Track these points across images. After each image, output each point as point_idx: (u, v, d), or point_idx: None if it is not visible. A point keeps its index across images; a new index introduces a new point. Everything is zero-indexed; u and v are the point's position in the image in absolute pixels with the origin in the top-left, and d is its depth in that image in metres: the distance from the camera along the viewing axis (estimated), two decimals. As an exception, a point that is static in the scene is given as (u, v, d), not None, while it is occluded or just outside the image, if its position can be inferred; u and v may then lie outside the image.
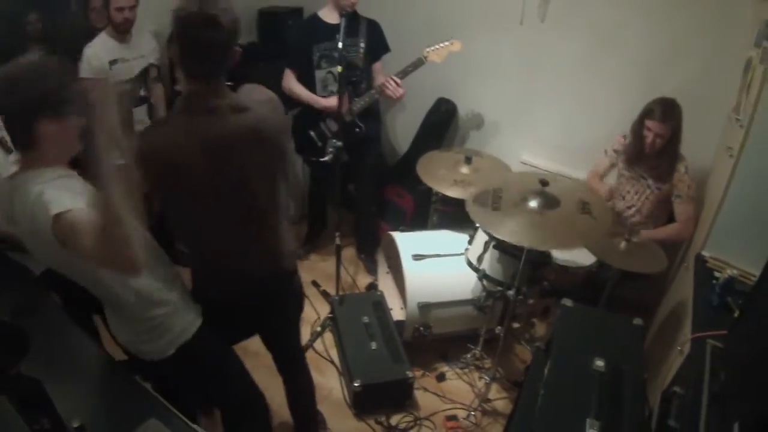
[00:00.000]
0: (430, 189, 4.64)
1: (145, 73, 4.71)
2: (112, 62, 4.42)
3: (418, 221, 5.45)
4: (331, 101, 4.67)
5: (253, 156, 2.50)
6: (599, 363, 2.70)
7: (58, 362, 2.70)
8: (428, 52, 4.57)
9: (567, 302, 3.19)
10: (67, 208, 2.03)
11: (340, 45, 3.98)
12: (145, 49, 4.70)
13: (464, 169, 4.52)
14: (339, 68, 4.03)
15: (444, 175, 4.47)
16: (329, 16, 4.71)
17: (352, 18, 4.63)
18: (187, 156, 2.36)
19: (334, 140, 4.33)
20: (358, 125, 4.83)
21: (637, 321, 3.09)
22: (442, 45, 4.56)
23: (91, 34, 4.51)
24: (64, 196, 2.08)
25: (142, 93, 4.72)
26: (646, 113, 4.10)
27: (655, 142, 4.08)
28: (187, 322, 2.65)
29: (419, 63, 4.60)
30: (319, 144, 4.94)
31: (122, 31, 4.44)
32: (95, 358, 2.78)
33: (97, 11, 4.81)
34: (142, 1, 4.47)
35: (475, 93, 5.57)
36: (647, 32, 4.43)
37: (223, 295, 2.81)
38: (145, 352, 2.60)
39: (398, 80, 4.62)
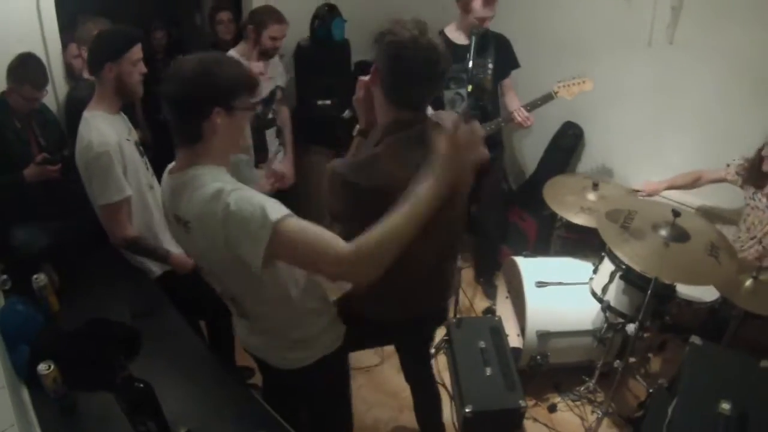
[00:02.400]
0: (554, 214, 4.57)
1: (272, 95, 4.74)
2: None
3: (540, 246, 5.37)
4: None
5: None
6: (725, 406, 2.59)
7: (171, 366, 2.72)
8: (559, 87, 4.49)
9: (696, 340, 3.08)
10: (286, 213, 2.01)
11: (470, 65, 3.93)
12: (274, 71, 4.74)
13: (591, 196, 4.46)
14: (469, 87, 4.03)
15: (570, 201, 4.41)
16: (456, 35, 4.64)
17: (482, 36, 4.52)
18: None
19: None
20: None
21: (765, 363, 2.95)
22: (573, 82, 4.47)
23: (216, 47, 4.60)
24: (271, 201, 2.06)
25: (270, 115, 4.76)
26: None
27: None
28: (333, 338, 2.65)
29: (548, 98, 4.53)
30: None
31: (268, 57, 4.51)
32: (209, 363, 2.80)
33: (225, 24, 4.92)
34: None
35: (602, 117, 5.45)
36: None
37: (393, 319, 2.81)
38: (282, 359, 2.60)
39: (526, 114, 4.57)
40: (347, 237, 1.98)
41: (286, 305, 2.41)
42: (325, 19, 5.21)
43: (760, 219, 4.15)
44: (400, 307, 2.74)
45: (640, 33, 4.85)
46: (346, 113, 2.76)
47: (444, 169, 2.06)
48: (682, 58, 4.68)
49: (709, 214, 4.81)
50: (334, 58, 4.16)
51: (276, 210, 1.98)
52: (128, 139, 3.28)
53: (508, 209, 5.86)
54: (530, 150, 6.05)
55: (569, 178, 4.83)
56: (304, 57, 5.45)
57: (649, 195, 4.65)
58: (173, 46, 5.75)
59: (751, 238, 4.23)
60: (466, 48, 4.24)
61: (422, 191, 2.01)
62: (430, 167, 2.05)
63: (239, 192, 2.04)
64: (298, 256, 2.06)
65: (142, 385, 2.19)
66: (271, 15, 4.43)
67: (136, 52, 3.14)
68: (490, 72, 4.67)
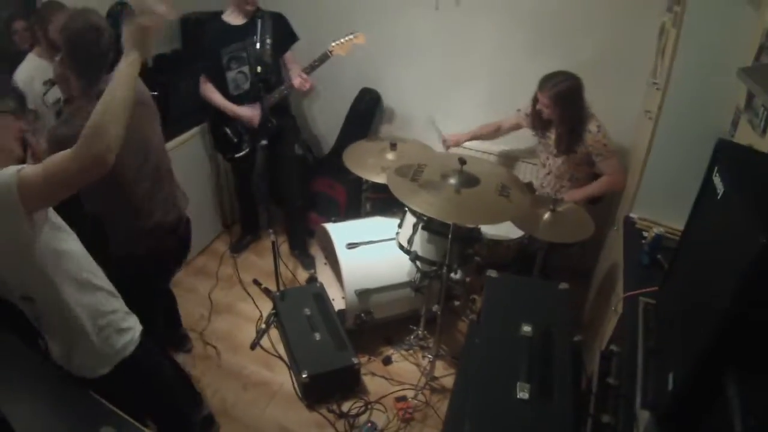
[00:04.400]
0: (359, 178, 4.68)
1: None
2: (45, 82, 4.38)
3: (352, 211, 5.48)
4: (244, 111, 4.80)
5: None
6: (527, 328, 2.74)
7: (11, 385, 2.67)
8: (333, 46, 4.58)
9: (492, 273, 3.22)
10: (15, 170, 2.05)
11: (252, 44, 4.26)
12: None
13: (390, 156, 4.62)
14: (258, 68, 4.40)
15: (371, 163, 4.54)
16: (232, 17, 4.74)
17: (256, 16, 4.71)
18: None
19: (247, 136, 4.56)
20: (270, 120, 4.85)
21: (563, 285, 3.14)
22: (346, 39, 4.57)
23: (17, 56, 4.47)
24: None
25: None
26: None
27: (542, 111, 4.23)
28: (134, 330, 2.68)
29: (325, 57, 4.63)
30: (235, 140, 5.00)
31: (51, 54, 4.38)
32: (46, 376, 2.75)
33: (20, 33, 4.77)
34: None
35: (397, 81, 5.61)
36: (560, 4, 4.52)
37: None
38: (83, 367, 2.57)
39: (305, 75, 4.68)
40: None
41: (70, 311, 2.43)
42: (118, 17, 5.14)
43: (551, 154, 4.40)
44: (148, 233, 3.22)
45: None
46: None
47: (137, 44, 2.25)
48: (468, 16, 4.92)
49: (509, 157, 5.06)
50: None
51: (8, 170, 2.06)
52: None
53: (315, 180, 5.93)
54: (331, 120, 6.12)
55: (368, 143, 4.98)
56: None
57: (456, 144, 4.83)
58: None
59: (547, 174, 4.48)
60: (241, 28, 4.53)
61: (122, 65, 2.21)
62: (128, 47, 2.25)
63: None
64: (48, 186, 2.08)
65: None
66: (53, 7, 4.34)
67: None
68: (268, 46, 4.74)
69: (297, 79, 4.68)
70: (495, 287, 3.14)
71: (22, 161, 2.29)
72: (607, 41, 4.45)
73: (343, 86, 5.69)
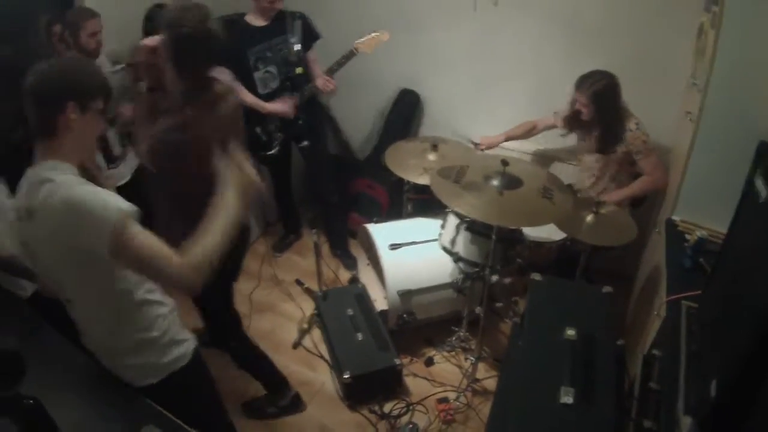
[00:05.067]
0: (401, 179, 4.69)
1: None
2: (118, 68, 4.46)
3: (394, 212, 5.49)
4: (276, 106, 4.81)
5: None
6: (570, 332, 2.75)
7: (58, 380, 2.72)
8: (358, 44, 4.61)
9: (536, 276, 3.24)
10: (128, 210, 2.12)
11: (283, 46, 4.48)
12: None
13: (431, 156, 4.61)
14: (299, 69, 4.52)
15: (413, 164, 4.55)
16: (255, 19, 4.76)
17: (279, 17, 4.74)
18: None
19: (278, 133, 4.61)
20: (299, 117, 4.89)
21: (607, 289, 3.15)
22: (370, 36, 4.60)
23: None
24: (113, 197, 2.15)
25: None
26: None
27: (581, 111, 4.21)
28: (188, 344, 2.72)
29: (350, 55, 4.65)
30: (264, 138, 4.98)
31: (94, 56, 4.45)
32: (92, 374, 2.80)
33: (58, 38, 4.84)
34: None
35: (437, 81, 5.62)
36: (596, 4, 4.52)
37: None
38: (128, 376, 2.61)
39: (327, 77, 4.76)
40: None
41: (118, 326, 2.48)
42: (157, 19, 5.19)
43: (591, 155, 4.39)
44: None
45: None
46: None
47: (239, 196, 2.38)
48: (506, 17, 4.92)
49: (546, 157, 5.05)
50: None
51: (121, 202, 2.12)
52: None
53: (356, 181, 5.96)
54: (372, 121, 6.17)
55: (409, 143, 4.96)
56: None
57: (488, 148, 4.83)
58: (6, 65, 5.56)
59: (590, 175, 4.46)
60: (265, 29, 4.61)
61: (224, 208, 2.33)
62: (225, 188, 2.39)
63: (86, 186, 2.14)
64: (139, 255, 2.14)
65: (31, 401, 2.19)
66: (82, 13, 4.45)
67: None
68: (293, 45, 4.79)
69: (320, 79, 4.75)
70: (539, 290, 3.16)
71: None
72: (644, 41, 4.42)
73: (383, 87, 5.74)
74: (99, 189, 2.16)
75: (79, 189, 2.11)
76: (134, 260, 2.15)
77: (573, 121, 4.41)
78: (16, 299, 3.35)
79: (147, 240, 2.14)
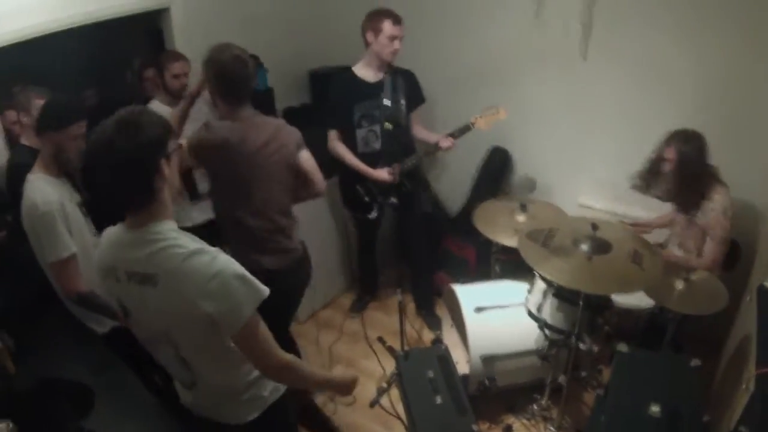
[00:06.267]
0: (490, 239, 4.65)
1: None
2: None
3: (482, 271, 5.44)
4: (382, 174, 4.77)
5: None
6: (655, 408, 2.70)
7: (124, 417, 2.77)
8: (476, 119, 4.67)
9: (623, 348, 3.19)
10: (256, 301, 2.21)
11: (386, 102, 4.45)
12: (198, 112, 4.67)
13: (521, 217, 4.60)
14: (388, 125, 4.43)
15: (501, 224, 4.54)
16: (366, 72, 4.76)
17: (394, 73, 4.74)
18: None
19: (380, 197, 4.60)
20: (404, 184, 4.87)
21: (695, 362, 3.07)
22: (489, 113, 4.66)
23: (146, 102, 4.66)
24: (252, 283, 2.23)
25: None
26: None
27: (665, 164, 4.12)
28: (274, 387, 2.73)
29: (466, 129, 4.72)
30: (366, 199, 4.97)
31: (177, 96, 4.56)
32: (158, 410, 2.86)
33: (151, 80, 5.00)
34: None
35: (526, 138, 5.64)
36: (697, 56, 4.44)
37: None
38: (235, 417, 2.62)
39: (452, 140, 4.78)
40: None
41: (237, 369, 2.51)
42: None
43: (678, 220, 4.36)
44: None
45: (554, 52, 5.08)
46: None
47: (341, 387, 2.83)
48: (596, 71, 4.93)
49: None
50: (259, 106, 4.25)
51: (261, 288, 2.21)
52: (71, 201, 3.37)
53: (444, 239, 5.97)
54: (462, 178, 6.17)
55: (498, 202, 4.96)
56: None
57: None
58: (104, 104, 5.76)
59: (677, 245, 4.39)
60: (376, 86, 4.56)
61: (332, 381, 2.91)
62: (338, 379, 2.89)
63: (224, 255, 2.19)
64: (255, 338, 2.25)
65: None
66: (168, 56, 4.62)
67: (78, 128, 3.24)
68: (403, 107, 4.78)
69: (447, 141, 4.77)
70: (624, 362, 3.10)
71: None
72: (738, 97, 4.34)
73: (474, 144, 5.71)
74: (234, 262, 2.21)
75: (223, 258, 2.17)
76: (250, 346, 2.28)
77: (651, 175, 4.30)
78: (93, 334, 3.45)
79: (264, 330, 2.26)
